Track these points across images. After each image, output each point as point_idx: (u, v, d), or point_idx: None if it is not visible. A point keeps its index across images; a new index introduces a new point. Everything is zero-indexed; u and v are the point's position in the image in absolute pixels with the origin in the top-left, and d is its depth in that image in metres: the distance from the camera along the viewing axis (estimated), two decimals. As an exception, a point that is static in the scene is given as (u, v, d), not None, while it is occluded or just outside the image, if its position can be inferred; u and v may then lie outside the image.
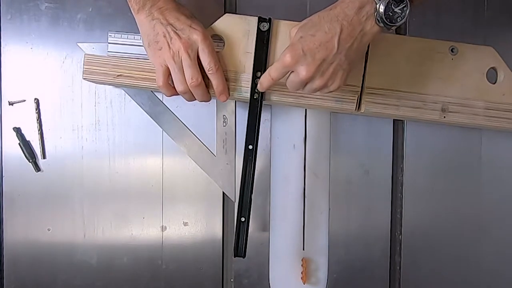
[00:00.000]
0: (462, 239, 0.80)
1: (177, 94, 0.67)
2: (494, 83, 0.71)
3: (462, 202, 0.80)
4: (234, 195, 0.78)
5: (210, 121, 0.78)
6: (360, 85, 0.69)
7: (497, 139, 0.79)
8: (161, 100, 0.77)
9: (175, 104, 0.77)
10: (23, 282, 0.78)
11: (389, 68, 0.70)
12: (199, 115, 0.78)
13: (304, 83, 0.61)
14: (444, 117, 0.70)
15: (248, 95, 0.69)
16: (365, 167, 0.79)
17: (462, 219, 0.80)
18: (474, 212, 0.80)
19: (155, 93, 0.77)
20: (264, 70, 0.67)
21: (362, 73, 0.69)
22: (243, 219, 0.69)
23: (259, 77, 0.67)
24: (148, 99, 0.77)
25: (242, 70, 0.69)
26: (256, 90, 0.68)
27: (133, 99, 0.77)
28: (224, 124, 0.78)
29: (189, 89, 0.65)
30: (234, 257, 0.70)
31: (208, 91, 0.67)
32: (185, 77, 0.64)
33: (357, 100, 0.69)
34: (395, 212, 0.80)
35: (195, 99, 0.68)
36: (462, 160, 0.80)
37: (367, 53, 0.69)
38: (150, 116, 0.77)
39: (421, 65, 0.70)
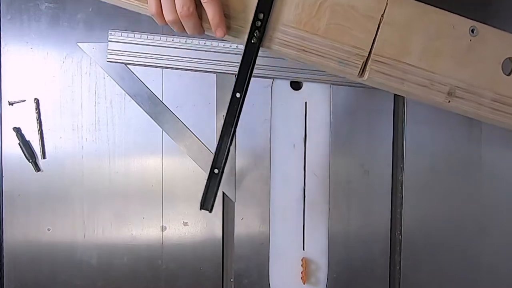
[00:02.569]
0: (462, 239, 0.80)
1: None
2: (508, 75, 0.67)
3: (462, 202, 0.80)
4: (234, 195, 0.78)
5: (210, 121, 0.78)
6: (368, 50, 0.64)
7: (497, 139, 0.79)
8: (161, 100, 0.77)
9: (175, 104, 0.77)
10: (23, 282, 0.78)
11: (402, 38, 0.65)
12: (199, 115, 0.78)
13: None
14: (449, 101, 0.66)
15: (246, 37, 0.61)
16: (365, 167, 0.79)
17: (462, 219, 0.80)
18: (474, 212, 0.80)
19: (155, 93, 0.77)
20: (269, 12, 0.61)
21: (373, 37, 0.64)
22: (216, 170, 0.64)
23: (261, 19, 0.61)
24: (148, 99, 0.77)
25: (242, 9, 0.61)
26: (255, 34, 0.61)
27: (133, 99, 0.77)
28: None
29: (179, 19, 0.59)
30: (200, 209, 0.65)
31: (202, 24, 0.61)
32: (175, 5, 0.58)
33: (362, 65, 0.65)
34: (395, 212, 0.80)
35: (185, 31, 0.61)
36: (462, 160, 0.80)
37: (382, 15, 0.64)
38: (150, 116, 0.77)
39: (436, 40, 0.65)
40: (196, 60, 0.75)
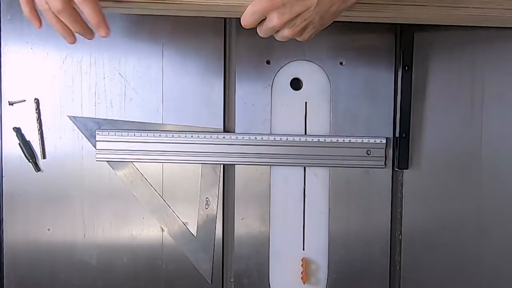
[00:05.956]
0: (462, 239, 0.80)
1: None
2: None
3: (462, 202, 0.80)
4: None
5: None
6: None
7: (497, 139, 0.79)
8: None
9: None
10: (23, 282, 0.78)
11: None
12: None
13: (275, 31, 0.61)
14: None
15: None
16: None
17: (462, 219, 0.80)
18: (474, 212, 0.80)
19: (137, 167, 0.77)
20: None
21: None
22: (404, 135, 0.77)
23: None
24: (130, 175, 0.77)
25: None
26: None
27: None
28: (206, 206, 0.78)
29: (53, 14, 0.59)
30: (395, 169, 0.78)
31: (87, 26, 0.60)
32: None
33: None
34: (395, 212, 0.80)
35: (68, 32, 0.62)
36: (462, 160, 0.80)
37: None
38: (131, 190, 0.77)
39: None
40: (182, 153, 0.76)
